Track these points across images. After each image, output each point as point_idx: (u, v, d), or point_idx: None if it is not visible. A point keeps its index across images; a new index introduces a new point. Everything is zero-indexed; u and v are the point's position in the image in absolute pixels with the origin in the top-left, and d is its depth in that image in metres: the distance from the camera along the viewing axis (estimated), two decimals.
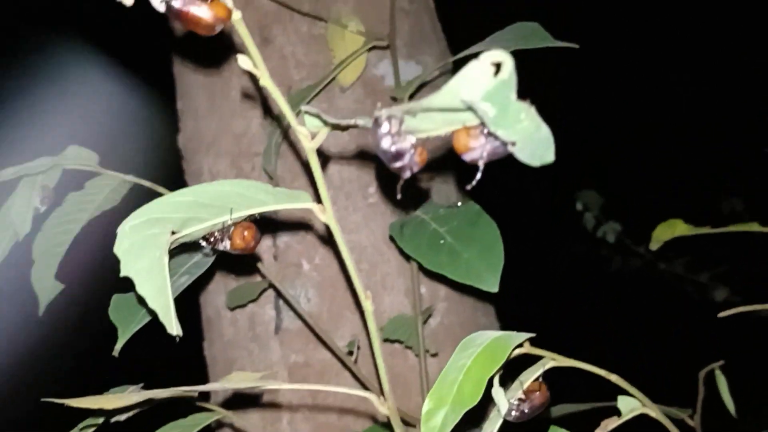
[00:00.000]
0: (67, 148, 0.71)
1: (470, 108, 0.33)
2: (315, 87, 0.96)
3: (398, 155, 0.38)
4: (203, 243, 0.53)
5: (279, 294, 0.99)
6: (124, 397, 0.50)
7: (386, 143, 0.37)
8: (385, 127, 0.37)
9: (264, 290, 0.92)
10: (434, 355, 0.95)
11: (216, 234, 0.53)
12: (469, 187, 0.39)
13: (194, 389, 0.51)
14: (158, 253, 0.47)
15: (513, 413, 0.56)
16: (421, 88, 0.96)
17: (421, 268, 0.83)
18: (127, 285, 0.66)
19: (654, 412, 0.57)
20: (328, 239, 1.01)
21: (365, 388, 0.87)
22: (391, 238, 0.83)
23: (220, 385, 0.52)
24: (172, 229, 0.48)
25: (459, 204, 0.79)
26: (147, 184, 0.77)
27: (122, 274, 0.46)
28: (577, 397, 0.96)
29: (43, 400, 0.49)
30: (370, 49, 0.97)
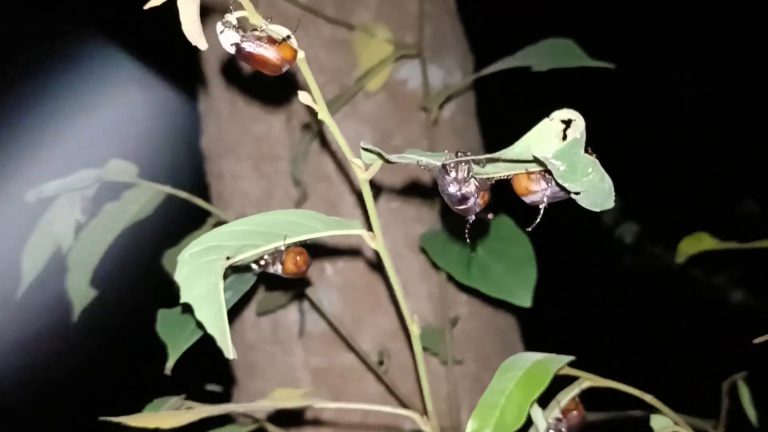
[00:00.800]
0: (109, 162, 0.72)
1: (539, 162, 0.35)
2: (344, 96, 0.97)
3: (464, 199, 0.39)
4: (254, 266, 0.54)
5: (303, 296, 1.00)
6: (179, 415, 0.52)
7: (453, 189, 0.39)
8: (452, 174, 0.38)
9: (294, 298, 0.94)
10: (459, 363, 0.97)
11: (267, 257, 0.54)
12: (529, 229, 0.41)
13: (244, 407, 0.53)
14: (214, 279, 0.48)
15: None
16: (450, 99, 0.97)
17: (451, 278, 0.85)
18: (168, 299, 0.67)
19: (685, 430, 0.58)
20: (358, 238, 1.02)
21: (396, 398, 0.89)
22: (422, 250, 0.84)
23: (269, 404, 0.54)
24: (227, 255, 0.49)
25: (490, 217, 0.80)
26: (184, 195, 0.78)
27: (182, 300, 0.47)
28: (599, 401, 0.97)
29: (100, 419, 0.50)
30: (398, 59, 0.98)
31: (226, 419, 0.75)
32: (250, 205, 1.09)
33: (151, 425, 0.49)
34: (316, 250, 1.05)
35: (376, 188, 1.08)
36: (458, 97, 1.11)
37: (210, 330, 0.47)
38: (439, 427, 0.55)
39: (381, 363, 0.89)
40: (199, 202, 0.76)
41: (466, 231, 0.42)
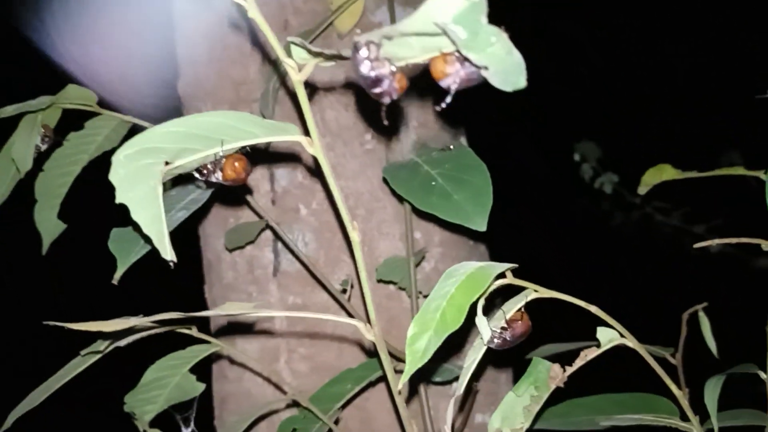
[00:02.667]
0: (67, 87, 0.72)
1: (443, 32, 0.35)
2: (312, 32, 0.97)
3: (377, 81, 0.39)
4: (197, 175, 0.55)
5: (277, 236, 1.01)
6: (123, 322, 0.53)
7: (365, 68, 0.39)
8: (363, 52, 0.38)
9: (262, 230, 0.94)
10: (426, 297, 0.98)
11: (209, 166, 0.54)
12: (438, 108, 0.41)
13: (190, 316, 0.53)
14: (152, 183, 0.49)
15: (495, 341, 0.58)
16: None
17: (415, 210, 0.85)
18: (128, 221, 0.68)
19: (632, 342, 0.59)
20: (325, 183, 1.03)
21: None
22: (385, 180, 0.84)
23: (213, 312, 0.55)
24: (165, 160, 0.50)
25: (452, 147, 0.81)
26: (146, 125, 0.78)
27: (117, 201, 0.48)
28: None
29: (45, 322, 0.51)
30: None
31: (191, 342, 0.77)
32: None
33: (94, 329, 0.50)
34: (295, 186, 1.06)
35: (352, 130, 1.08)
36: None
37: (146, 230, 0.48)
38: (382, 336, 0.56)
39: (344, 291, 0.90)
40: None
41: (382, 115, 0.42)
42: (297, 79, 0.47)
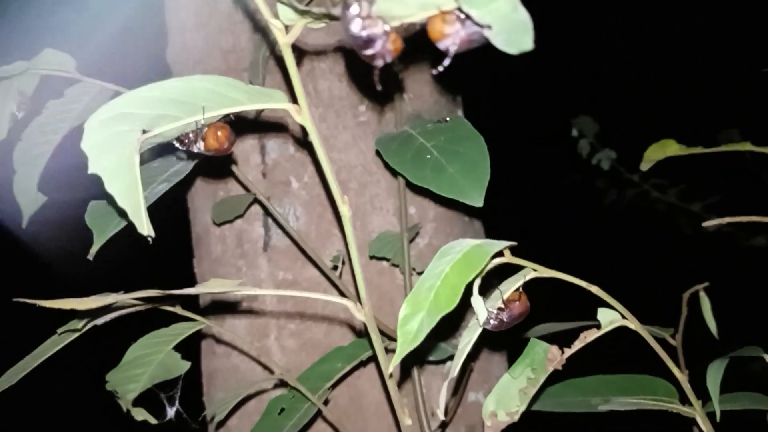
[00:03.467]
0: (43, 51, 0.69)
1: None
2: None
3: (369, 41, 0.36)
4: (177, 144, 0.51)
5: (267, 211, 0.98)
6: (100, 299, 0.50)
7: (356, 27, 0.35)
8: (354, 9, 0.35)
9: (250, 204, 0.91)
10: (419, 273, 0.95)
11: (190, 135, 0.51)
12: (435, 72, 0.38)
13: (170, 293, 0.50)
14: (128, 151, 0.46)
15: (492, 322, 0.55)
16: None
17: (409, 184, 0.82)
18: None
19: (633, 324, 0.56)
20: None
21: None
22: (378, 153, 0.81)
23: (196, 290, 0.52)
24: (142, 128, 0.46)
25: (448, 119, 0.77)
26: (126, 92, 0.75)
27: (90, 170, 0.45)
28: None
29: (15, 300, 0.48)
30: None
31: (176, 319, 0.74)
32: None
33: (67, 306, 0.47)
34: (286, 159, 1.03)
35: (345, 101, 1.04)
36: None
37: (121, 203, 0.44)
38: (372, 315, 0.53)
39: (335, 268, 0.87)
40: None
41: (375, 80, 0.38)
42: (284, 42, 0.44)
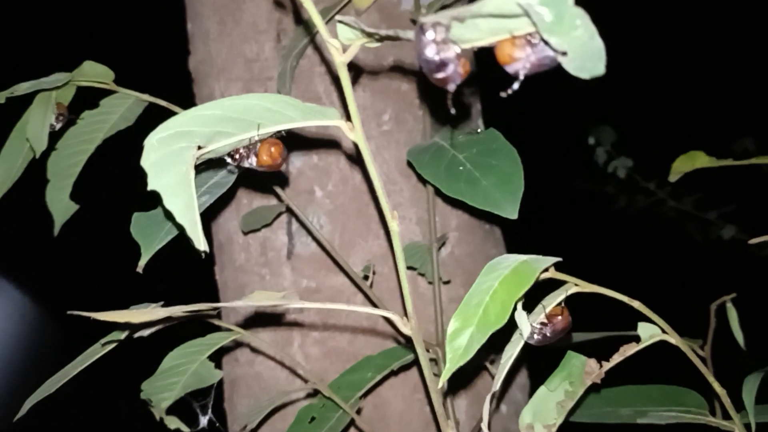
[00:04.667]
0: (83, 64, 0.69)
1: (525, 13, 0.32)
2: (330, 9, 0.94)
3: (442, 65, 0.36)
4: (228, 159, 0.52)
5: (293, 217, 0.99)
6: (149, 312, 0.50)
7: (431, 52, 0.36)
8: (430, 35, 0.36)
9: (280, 214, 0.92)
10: (446, 283, 0.96)
11: (242, 150, 0.52)
12: (504, 94, 0.38)
13: (215, 306, 0.51)
14: (185, 168, 0.46)
15: (535, 336, 0.56)
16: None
17: (438, 194, 0.83)
18: (146, 204, 0.66)
19: (674, 339, 0.57)
20: (348, 161, 1.00)
21: (383, 317, 0.87)
22: (409, 164, 0.82)
23: (242, 303, 0.52)
24: (198, 144, 0.47)
25: (479, 131, 0.78)
26: (163, 103, 0.76)
27: (149, 187, 0.45)
28: (599, 329, 0.96)
29: (69, 312, 0.49)
30: None
31: (209, 329, 0.75)
32: None
33: (121, 320, 0.48)
34: (310, 167, 1.04)
35: (369, 110, 1.05)
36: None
37: (180, 219, 0.45)
38: (419, 330, 0.54)
39: (366, 278, 0.88)
40: (178, 110, 0.74)
41: (448, 103, 0.39)
42: (340, 61, 0.45)
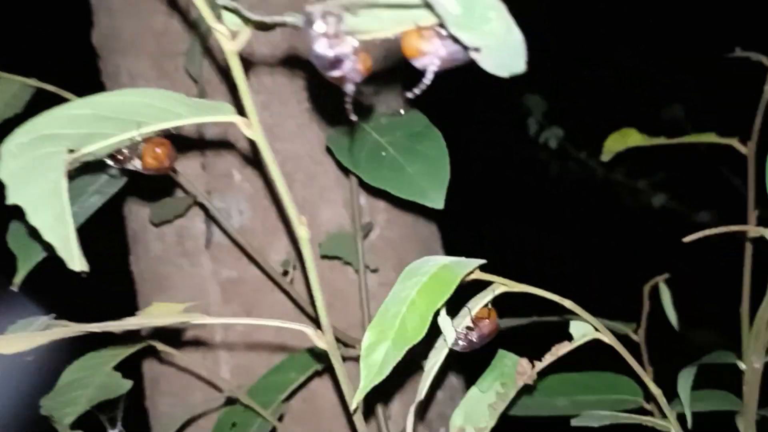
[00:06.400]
0: None
1: (427, 4, 0.27)
2: None
3: (336, 62, 0.31)
4: (110, 162, 0.46)
5: (207, 214, 0.93)
6: (28, 338, 0.44)
7: (321, 47, 0.30)
8: (319, 27, 0.30)
9: (191, 205, 0.85)
10: (374, 271, 0.91)
11: (125, 151, 0.46)
12: (411, 95, 0.33)
13: (108, 326, 0.45)
14: (54, 176, 0.40)
15: (460, 343, 0.52)
16: None
17: (361, 182, 0.78)
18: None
19: (607, 338, 0.54)
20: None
21: (301, 310, 0.83)
22: (328, 150, 0.76)
23: (136, 321, 0.47)
24: (69, 148, 0.41)
25: (402, 113, 0.73)
26: (51, 88, 0.68)
27: (9, 201, 0.39)
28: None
29: None
30: None
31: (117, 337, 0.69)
32: None
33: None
34: (227, 149, 0.97)
35: (288, 87, 0.99)
36: None
37: (47, 236, 0.39)
38: (335, 344, 0.49)
39: (285, 273, 0.83)
40: (69, 96, 0.66)
41: (347, 106, 0.34)
42: (230, 49, 0.39)
